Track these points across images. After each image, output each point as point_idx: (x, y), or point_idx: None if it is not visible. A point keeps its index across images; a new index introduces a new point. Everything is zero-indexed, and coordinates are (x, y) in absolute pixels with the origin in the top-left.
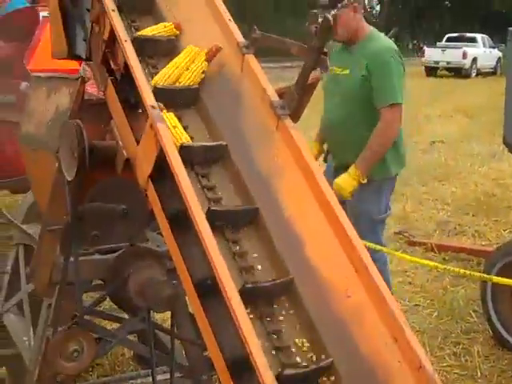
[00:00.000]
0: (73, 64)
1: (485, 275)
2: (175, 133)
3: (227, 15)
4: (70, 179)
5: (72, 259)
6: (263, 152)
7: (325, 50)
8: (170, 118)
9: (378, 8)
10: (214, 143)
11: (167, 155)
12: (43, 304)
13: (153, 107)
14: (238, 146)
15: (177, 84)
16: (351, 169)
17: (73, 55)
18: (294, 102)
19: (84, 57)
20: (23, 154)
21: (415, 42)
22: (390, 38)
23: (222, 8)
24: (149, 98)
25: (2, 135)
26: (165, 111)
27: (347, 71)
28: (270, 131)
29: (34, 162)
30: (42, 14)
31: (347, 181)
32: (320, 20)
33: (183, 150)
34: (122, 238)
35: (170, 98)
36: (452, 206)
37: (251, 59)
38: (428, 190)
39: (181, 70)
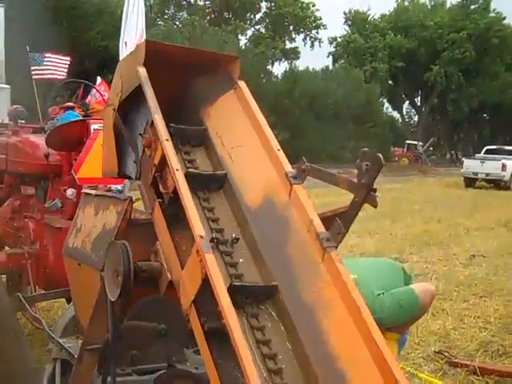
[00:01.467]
0: None
1: None
2: None
3: (276, 144)
4: (113, 300)
5: (109, 379)
6: (309, 284)
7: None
8: None
9: (415, 118)
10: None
11: (213, 285)
12: None
13: (201, 237)
14: (284, 276)
15: None
16: (388, 335)
17: (123, 175)
18: (340, 236)
19: (134, 178)
20: (67, 267)
21: (453, 152)
22: (429, 147)
23: (272, 137)
24: (197, 228)
25: (47, 240)
26: None
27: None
28: (316, 263)
29: (78, 277)
30: (93, 126)
31: (390, 346)
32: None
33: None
34: (161, 359)
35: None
36: (495, 324)
37: (299, 189)
38: (469, 306)
39: None
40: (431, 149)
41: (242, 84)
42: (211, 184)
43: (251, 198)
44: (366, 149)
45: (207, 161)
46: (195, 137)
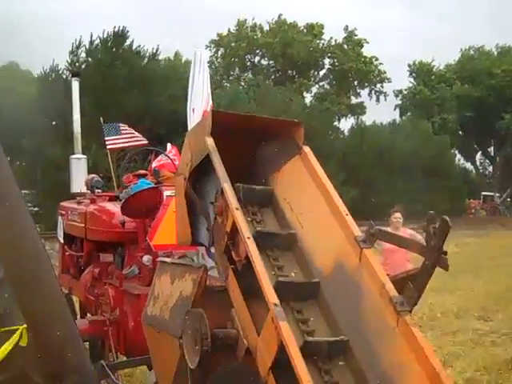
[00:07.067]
0: None
1: None
2: None
3: (344, 209)
4: (192, 367)
5: None
6: (384, 348)
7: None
8: None
9: (490, 169)
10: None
11: (289, 352)
12: None
13: (275, 305)
14: (359, 340)
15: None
16: None
17: (196, 242)
18: (413, 300)
19: (207, 245)
20: (146, 334)
21: None
22: (506, 198)
23: (339, 202)
24: (271, 296)
25: (126, 307)
26: None
27: None
28: (391, 327)
29: (157, 345)
30: (166, 193)
31: None
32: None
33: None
34: None
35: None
36: None
37: (369, 253)
38: None
39: None
40: (509, 200)
41: (306, 149)
42: (280, 243)
43: (322, 262)
44: (431, 212)
45: (275, 221)
46: (263, 197)
